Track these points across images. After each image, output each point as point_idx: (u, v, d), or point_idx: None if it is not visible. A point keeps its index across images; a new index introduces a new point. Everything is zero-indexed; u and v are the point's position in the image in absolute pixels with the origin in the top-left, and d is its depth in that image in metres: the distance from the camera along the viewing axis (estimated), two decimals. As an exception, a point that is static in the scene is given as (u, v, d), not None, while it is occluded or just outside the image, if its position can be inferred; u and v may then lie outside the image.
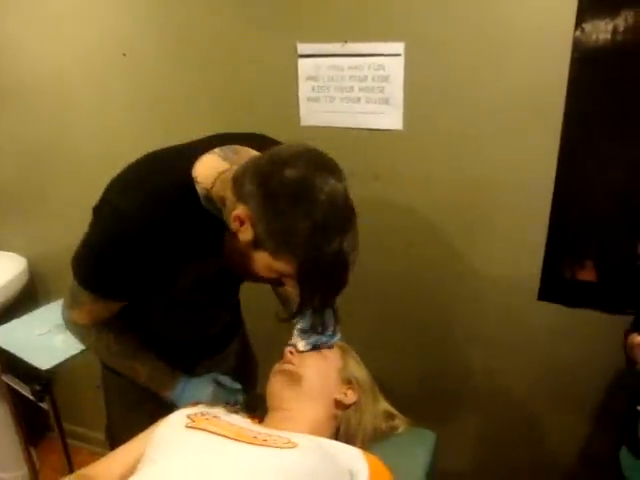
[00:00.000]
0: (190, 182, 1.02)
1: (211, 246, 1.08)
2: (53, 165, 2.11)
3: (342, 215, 0.92)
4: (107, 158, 1.92)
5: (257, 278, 1.04)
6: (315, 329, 1.17)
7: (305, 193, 0.88)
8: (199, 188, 1.02)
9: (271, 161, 0.92)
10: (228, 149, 1.07)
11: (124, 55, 1.81)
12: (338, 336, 1.23)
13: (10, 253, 2.31)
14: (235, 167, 0.99)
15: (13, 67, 2.03)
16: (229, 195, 0.97)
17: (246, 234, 0.94)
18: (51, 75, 1.97)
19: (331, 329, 1.21)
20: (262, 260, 0.97)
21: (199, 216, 1.04)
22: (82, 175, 2.04)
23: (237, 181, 0.95)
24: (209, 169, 1.03)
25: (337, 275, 0.95)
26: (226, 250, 1.06)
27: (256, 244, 0.95)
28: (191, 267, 1.11)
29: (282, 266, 0.95)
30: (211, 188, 1.02)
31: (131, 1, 1.75)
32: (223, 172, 1.02)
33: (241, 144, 1.11)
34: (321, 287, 0.96)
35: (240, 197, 0.94)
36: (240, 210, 0.93)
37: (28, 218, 2.27)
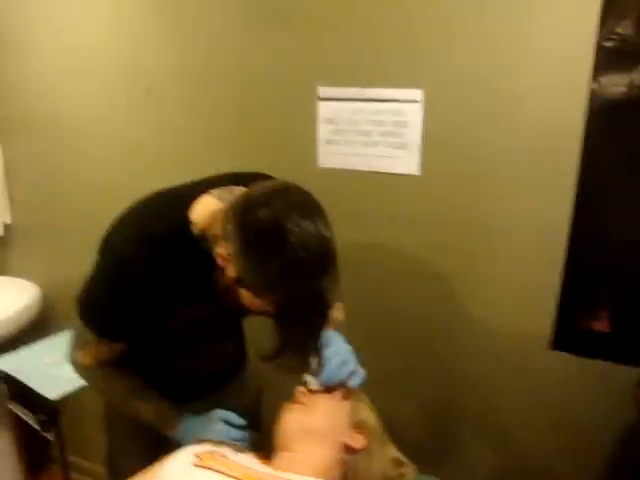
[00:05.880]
0: (187, 225, 1.05)
1: (208, 289, 1.10)
2: (69, 194, 2.15)
3: (315, 257, 0.90)
4: (124, 190, 1.95)
5: (251, 312, 1.05)
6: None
7: (276, 234, 0.88)
8: (194, 229, 1.05)
9: (248, 200, 0.94)
10: (225, 190, 1.09)
11: (147, 92, 1.86)
12: (360, 377, 1.18)
13: (23, 281, 2.32)
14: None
15: (30, 102, 2.09)
16: (219, 233, 0.99)
17: (230, 271, 0.96)
18: (69, 110, 2.02)
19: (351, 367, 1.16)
20: (247, 296, 0.99)
21: (196, 259, 1.06)
22: (98, 205, 2.06)
23: (223, 219, 0.97)
24: (204, 210, 1.06)
25: (312, 316, 0.95)
26: (219, 285, 1.08)
27: (239, 281, 0.96)
28: (188, 309, 1.13)
29: (264, 303, 0.96)
30: (205, 228, 1.04)
31: (155, 43, 1.81)
32: (217, 212, 1.03)
33: (243, 184, 1.11)
34: (297, 327, 0.96)
35: (224, 235, 0.95)
36: (223, 248, 0.95)
37: (43, 246, 2.29)
